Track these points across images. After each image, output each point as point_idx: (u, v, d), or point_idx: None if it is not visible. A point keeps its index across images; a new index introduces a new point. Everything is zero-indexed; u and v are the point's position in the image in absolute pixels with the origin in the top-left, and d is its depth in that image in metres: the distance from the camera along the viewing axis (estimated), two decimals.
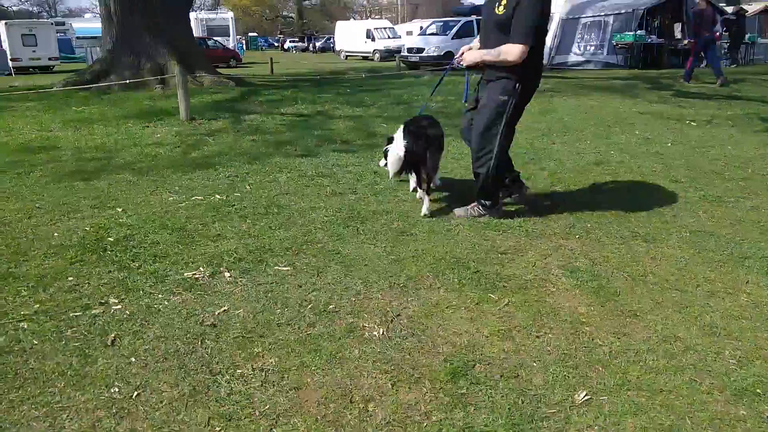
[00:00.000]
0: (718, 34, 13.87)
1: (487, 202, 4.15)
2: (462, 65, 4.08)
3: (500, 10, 3.65)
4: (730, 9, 21.47)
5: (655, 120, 8.56)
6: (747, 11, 18.69)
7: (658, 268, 3.38)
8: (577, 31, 20.00)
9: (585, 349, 2.56)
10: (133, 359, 2.46)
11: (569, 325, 2.76)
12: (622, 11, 18.74)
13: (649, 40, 18.54)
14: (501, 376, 2.36)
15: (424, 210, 4.20)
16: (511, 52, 3.65)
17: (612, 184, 5.11)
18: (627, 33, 18.28)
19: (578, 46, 19.97)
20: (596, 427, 2.07)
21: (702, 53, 13.43)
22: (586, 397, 2.22)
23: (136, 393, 2.24)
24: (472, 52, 3.98)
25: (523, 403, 2.20)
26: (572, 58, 19.93)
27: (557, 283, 3.20)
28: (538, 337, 2.66)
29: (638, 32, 18.08)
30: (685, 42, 18.80)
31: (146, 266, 3.36)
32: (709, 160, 6.01)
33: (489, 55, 3.79)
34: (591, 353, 2.53)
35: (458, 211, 4.22)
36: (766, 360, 2.47)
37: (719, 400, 2.22)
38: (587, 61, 19.50)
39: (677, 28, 19.66)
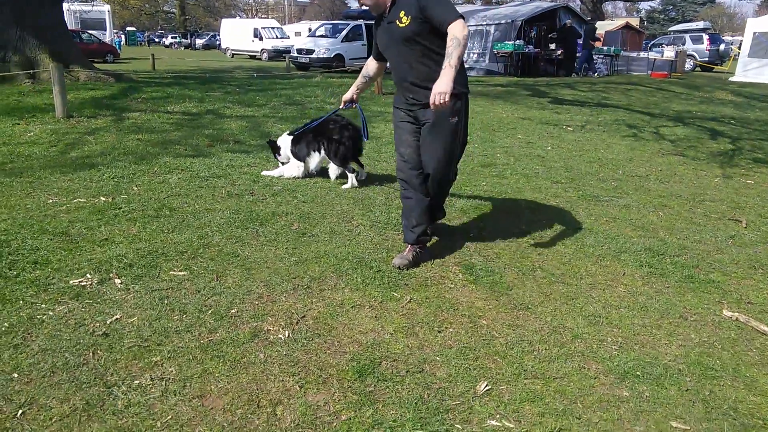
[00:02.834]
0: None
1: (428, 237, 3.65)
2: (443, 100, 2.92)
3: (405, 22, 3.16)
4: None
5: (535, 125, 9.11)
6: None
7: (545, 263, 3.60)
8: None
9: (483, 341, 2.68)
10: (16, 375, 2.26)
11: (468, 319, 2.88)
12: (502, 21, 19.76)
13: (527, 50, 19.66)
14: (407, 372, 2.42)
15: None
16: (459, 28, 3.00)
17: (500, 185, 5.37)
18: (507, 42, 19.28)
19: None
20: (497, 416, 2.18)
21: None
22: (486, 387, 2.33)
23: (20, 411, 2.06)
24: (445, 82, 2.91)
25: (428, 396, 2.27)
26: None
27: (455, 280, 3.32)
28: (439, 332, 2.75)
29: (517, 42, 19.13)
30: (559, 52, 20.20)
31: (26, 274, 3.10)
32: (585, 163, 6.49)
33: (456, 57, 2.96)
34: (489, 345, 2.65)
35: (397, 261, 3.44)
36: (643, 345, 2.71)
37: (605, 383, 2.41)
38: (470, 68, 20.32)
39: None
